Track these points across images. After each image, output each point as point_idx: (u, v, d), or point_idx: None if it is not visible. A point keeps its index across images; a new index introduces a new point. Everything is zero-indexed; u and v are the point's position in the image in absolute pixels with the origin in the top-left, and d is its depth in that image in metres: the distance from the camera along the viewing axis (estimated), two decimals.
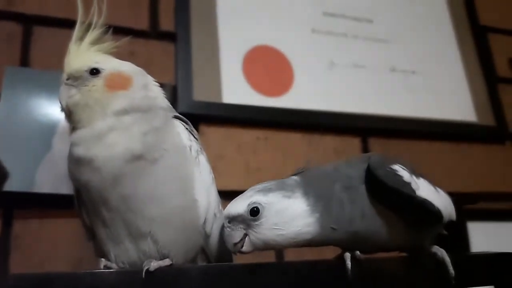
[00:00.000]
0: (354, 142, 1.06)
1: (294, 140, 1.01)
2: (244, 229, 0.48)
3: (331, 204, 0.48)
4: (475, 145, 1.17)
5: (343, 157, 1.01)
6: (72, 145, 0.49)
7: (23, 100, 0.80)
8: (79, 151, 0.47)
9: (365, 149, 1.06)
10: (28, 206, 0.78)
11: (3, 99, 0.79)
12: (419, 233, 0.52)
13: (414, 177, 0.51)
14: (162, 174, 0.49)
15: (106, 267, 0.47)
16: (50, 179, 0.77)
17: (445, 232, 0.58)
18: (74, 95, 0.50)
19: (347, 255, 0.48)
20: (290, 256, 0.89)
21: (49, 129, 0.80)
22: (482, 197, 1.09)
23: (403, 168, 0.51)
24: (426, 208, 0.49)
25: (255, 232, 0.47)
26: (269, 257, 0.89)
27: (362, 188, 0.49)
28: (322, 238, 0.48)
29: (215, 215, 0.55)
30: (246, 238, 0.48)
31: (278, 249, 0.50)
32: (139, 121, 0.49)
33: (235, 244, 0.48)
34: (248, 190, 0.50)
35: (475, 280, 0.52)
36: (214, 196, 0.56)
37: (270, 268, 0.48)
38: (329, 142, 1.03)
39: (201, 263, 0.55)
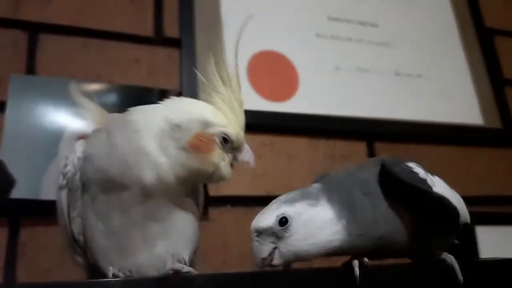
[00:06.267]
0: (360, 147, 1.05)
1: (300, 145, 1.01)
2: (273, 243, 0.47)
3: (355, 209, 0.48)
4: (482, 149, 1.16)
5: (349, 162, 1.01)
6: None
7: (29, 107, 0.81)
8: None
9: (371, 153, 1.05)
10: (34, 213, 0.78)
11: (9, 106, 0.79)
12: (436, 235, 0.52)
13: (429, 175, 0.51)
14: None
15: (114, 275, 0.47)
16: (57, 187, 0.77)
17: (457, 242, 0.57)
18: None
19: (355, 262, 0.48)
20: (298, 264, 0.88)
21: (55, 136, 0.80)
22: (490, 201, 1.08)
23: (418, 166, 0.51)
24: (443, 205, 0.49)
25: (285, 244, 0.47)
26: None
27: (379, 192, 0.49)
28: (349, 245, 0.48)
29: None
30: (276, 251, 0.47)
31: (308, 259, 0.49)
32: None
33: (264, 259, 0.47)
34: (272, 202, 0.50)
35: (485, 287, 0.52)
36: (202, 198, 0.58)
37: (276, 276, 0.48)
38: (335, 146, 1.03)
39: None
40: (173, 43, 0.98)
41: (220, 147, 0.49)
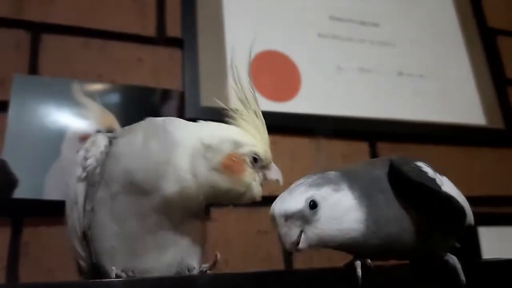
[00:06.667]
0: (362, 147, 1.05)
1: (302, 145, 1.01)
2: (300, 226, 0.46)
3: (372, 204, 0.48)
4: (484, 149, 1.15)
5: (351, 162, 1.00)
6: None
7: (31, 107, 0.81)
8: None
9: (373, 153, 1.05)
10: (37, 213, 0.78)
11: (12, 106, 0.80)
12: (440, 236, 0.52)
13: (437, 174, 0.51)
14: None
15: (117, 275, 0.47)
16: (59, 186, 0.77)
17: (458, 245, 0.57)
18: None
19: (358, 263, 0.47)
20: (299, 264, 0.88)
21: (58, 136, 0.80)
22: (492, 201, 1.08)
23: (426, 165, 0.51)
24: (451, 204, 0.49)
25: (313, 227, 0.46)
26: (278, 266, 0.89)
27: (391, 191, 0.49)
28: (364, 240, 0.47)
29: None
30: (302, 235, 0.47)
31: (329, 247, 0.49)
32: None
33: (293, 243, 0.46)
34: (295, 185, 0.49)
35: None
36: None
37: (279, 276, 0.48)
38: (336, 147, 1.03)
39: None
40: (175, 43, 0.98)
41: (251, 167, 0.50)
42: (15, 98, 0.80)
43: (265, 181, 0.53)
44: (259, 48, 1.03)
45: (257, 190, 0.52)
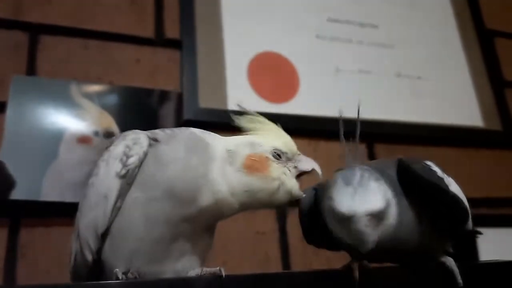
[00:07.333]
0: (360, 148, 1.05)
1: (300, 146, 1.00)
2: (377, 227, 0.43)
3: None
4: (482, 150, 1.16)
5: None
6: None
7: (29, 108, 0.81)
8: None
9: (371, 155, 1.05)
10: (34, 214, 0.78)
11: (10, 108, 0.80)
12: (441, 237, 0.51)
13: (445, 174, 0.51)
14: None
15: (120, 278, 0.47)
16: (57, 188, 0.77)
17: (451, 250, 0.57)
18: None
19: (355, 265, 0.47)
20: (297, 266, 0.89)
21: (56, 137, 0.80)
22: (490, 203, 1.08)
23: (435, 165, 0.51)
24: (457, 205, 0.49)
25: (382, 228, 0.44)
26: (275, 267, 0.89)
27: (402, 193, 0.48)
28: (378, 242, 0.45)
29: None
30: None
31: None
32: None
33: (374, 242, 0.43)
34: (359, 177, 0.44)
35: None
36: None
37: (276, 278, 0.48)
38: (335, 148, 1.03)
39: None
40: (174, 44, 0.98)
41: (276, 162, 0.50)
42: (13, 99, 0.80)
43: (303, 175, 0.52)
44: (258, 49, 1.04)
45: (292, 184, 0.51)
